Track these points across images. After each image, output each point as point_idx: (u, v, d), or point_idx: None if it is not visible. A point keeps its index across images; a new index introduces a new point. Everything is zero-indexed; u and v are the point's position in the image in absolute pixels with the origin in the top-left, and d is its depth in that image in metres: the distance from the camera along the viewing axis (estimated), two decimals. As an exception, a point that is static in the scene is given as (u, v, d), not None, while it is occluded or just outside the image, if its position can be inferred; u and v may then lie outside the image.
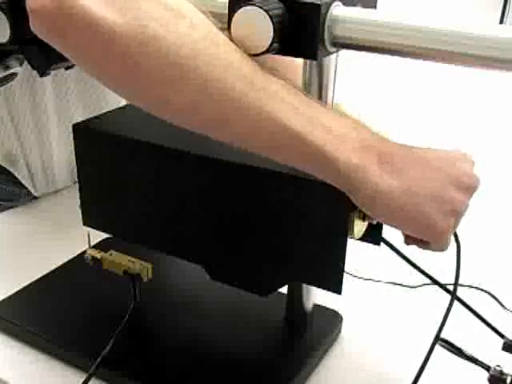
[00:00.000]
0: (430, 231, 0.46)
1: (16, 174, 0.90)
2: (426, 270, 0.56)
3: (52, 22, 0.43)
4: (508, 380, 0.51)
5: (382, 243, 0.56)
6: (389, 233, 0.58)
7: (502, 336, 0.55)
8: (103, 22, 0.42)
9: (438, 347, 0.52)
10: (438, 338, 0.51)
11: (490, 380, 0.52)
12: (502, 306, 0.74)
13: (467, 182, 0.47)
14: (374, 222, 0.53)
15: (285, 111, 0.44)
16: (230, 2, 0.47)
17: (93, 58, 0.45)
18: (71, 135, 0.62)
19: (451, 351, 0.55)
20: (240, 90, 0.44)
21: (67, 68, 0.72)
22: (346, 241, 0.51)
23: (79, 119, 0.87)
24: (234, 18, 0.46)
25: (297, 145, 0.44)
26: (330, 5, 0.46)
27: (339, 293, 0.53)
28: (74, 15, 0.42)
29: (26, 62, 0.65)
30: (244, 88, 0.44)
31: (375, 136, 0.47)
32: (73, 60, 0.46)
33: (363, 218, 0.52)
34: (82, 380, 0.56)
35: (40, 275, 0.72)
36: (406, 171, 0.45)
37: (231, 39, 0.46)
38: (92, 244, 0.66)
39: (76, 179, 0.97)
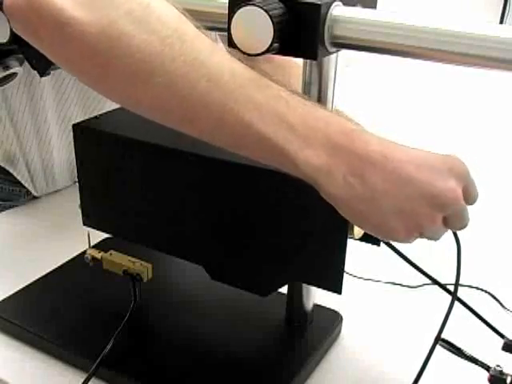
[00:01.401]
0: (392, 239, 0.47)
1: (15, 175, 0.90)
2: (426, 270, 0.56)
3: (24, 20, 0.44)
4: (508, 380, 0.51)
5: (381, 243, 0.56)
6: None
7: (502, 336, 0.55)
8: (73, 20, 0.42)
9: (437, 347, 0.51)
10: (438, 339, 0.51)
11: (490, 380, 0.52)
12: (502, 306, 0.74)
13: (443, 200, 0.44)
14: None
15: (248, 109, 0.44)
16: (229, 2, 0.47)
17: (66, 55, 0.45)
18: (71, 135, 0.62)
19: (451, 351, 0.54)
20: (204, 89, 0.44)
21: (67, 68, 0.72)
22: (346, 241, 0.51)
23: (78, 118, 0.87)
24: (233, 18, 0.46)
25: (259, 143, 0.44)
26: (330, 5, 0.46)
27: (339, 293, 0.53)
28: (44, 12, 0.42)
29: (25, 62, 0.65)
30: (208, 86, 0.44)
31: (350, 133, 0.44)
32: (49, 57, 0.47)
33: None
34: (82, 380, 0.56)
35: (40, 275, 0.72)
36: (373, 180, 0.43)
37: (230, 39, 0.46)
38: (92, 244, 0.66)
39: (76, 179, 0.97)
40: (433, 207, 0.44)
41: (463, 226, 0.49)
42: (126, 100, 0.47)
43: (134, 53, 0.43)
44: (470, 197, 0.47)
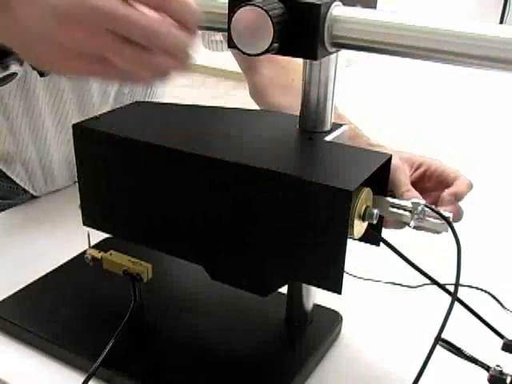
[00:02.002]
0: (58, 70, 0.46)
1: (9, 174, 0.88)
2: (426, 270, 0.56)
3: None
4: (508, 380, 0.51)
5: (381, 243, 0.56)
6: (389, 233, 0.59)
7: (501, 336, 0.55)
8: None
9: (437, 347, 0.51)
10: (438, 339, 0.51)
11: (489, 380, 0.52)
12: (502, 306, 0.74)
13: (59, 7, 0.41)
14: (374, 223, 0.53)
15: None
16: (229, 2, 0.47)
17: None
18: (68, 133, 0.62)
19: (451, 351, 0.54)
20: None
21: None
22: (346, 241, 0.51)
23: (74, 116, 0.87)
24: (233, 18, 0.46)
25: None
26: (330, 5, 0.47)
27: (339, 293, 0.53)
28: None
29: (25, 62, 0.65)
30: None
31: None
32: None
33: (363, 218, 0.52)
34: (82, 380, 0.56)
35: (40, 275, 0.72)
36: (17, 9, 0.43)
37: (230, 39, 0.46)
38: (92, 244, 0.66)
39: (76, 179, 0.96)
40: (66, 21, 0.42)
41: (139, 35, 0.43)
42: None
43: None
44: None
